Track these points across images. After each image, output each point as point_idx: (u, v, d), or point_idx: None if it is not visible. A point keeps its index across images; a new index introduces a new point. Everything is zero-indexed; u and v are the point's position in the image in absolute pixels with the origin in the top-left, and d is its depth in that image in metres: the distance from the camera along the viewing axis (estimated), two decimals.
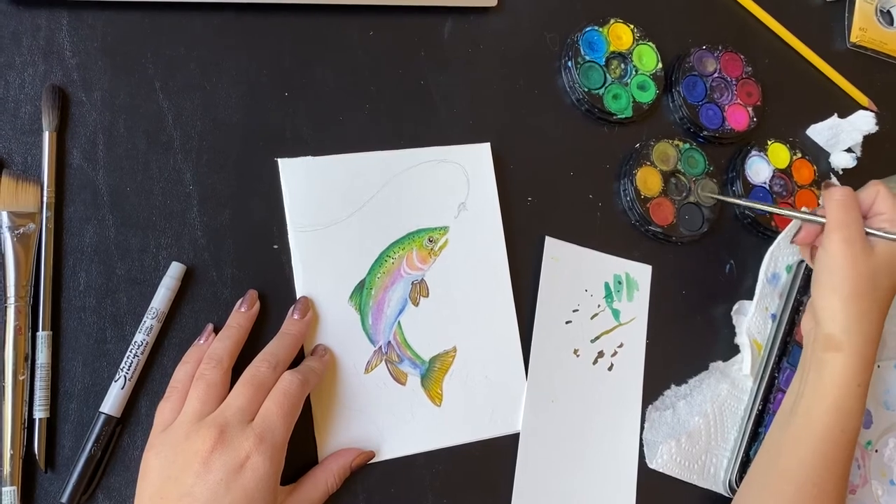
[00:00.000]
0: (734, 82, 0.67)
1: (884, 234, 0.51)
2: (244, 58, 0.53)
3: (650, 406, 0.59)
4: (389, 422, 0.51)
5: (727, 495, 0.59)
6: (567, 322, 0.58)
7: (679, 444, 0.58)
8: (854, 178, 0.69)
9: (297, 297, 0.50)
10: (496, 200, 0.57)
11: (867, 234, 0.52)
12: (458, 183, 0.56)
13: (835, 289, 0.51)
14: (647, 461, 0.58)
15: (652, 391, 0.59)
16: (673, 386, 0.60)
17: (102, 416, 0.45)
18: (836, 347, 0.50)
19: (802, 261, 0.64)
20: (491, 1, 0.60)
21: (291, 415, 0.45)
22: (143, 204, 0.49)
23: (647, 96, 0.63)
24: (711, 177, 0.64)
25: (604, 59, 0.63)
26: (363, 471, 0.50)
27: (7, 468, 0.43)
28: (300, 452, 0.48)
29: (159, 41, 0.51)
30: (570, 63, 0.61)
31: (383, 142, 0.55)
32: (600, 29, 0.63)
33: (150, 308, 0.47)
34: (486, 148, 0.57)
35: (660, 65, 0.64)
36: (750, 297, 0.63)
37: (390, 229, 0.54)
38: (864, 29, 0.74)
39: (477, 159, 0.57)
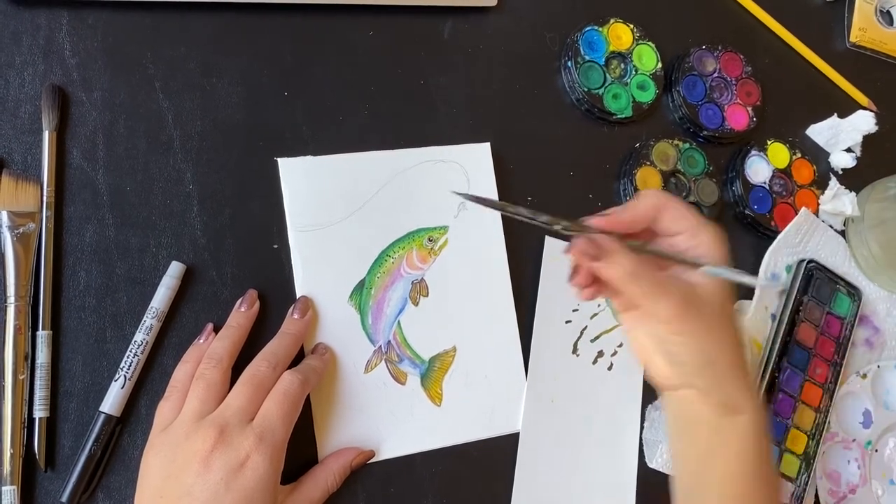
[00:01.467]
0: (734, 82, 0.67)
1: (715, 270, 0.42)
2: (244, 58, 0.53)
3: (650, 405, 0.59)
4: (389, 421, 0.51)
5: None
6: (567, 322, 0.58)
7: None
8: (854, 178, 0.70)
9: (297, 297, 0.50)
10: (496, 199, 0.57)
11: (685, 262, 0.42)
12: (457, 182, 0.56)
13: (701, 364, 0.43)
14: (646, 460, 0.58)
15: (652, 390, 0.59)
16: None
17: (102, 416, 0.45)
18: (736, 410, 0.43)
19: (802, 260, 0.64)
20: (491, 1, 0.60)
21: (291, 414, 0.45)
22: (142, 203, 0.49)
23: (647, 96, 0.63)
24: (711, 176, 0.64)
25: (603, 59, 0.63)
26: (363, 470, 0.50)
27: (7, 467, 0.43)
28: (300, 452, 0.48)
29: (159, 41, 0.51)
30: (569, 63, 0.61)
31: (383, 141, 0.55)
32: (600, 29, 0.63)
33: (149, 307, 0.47)
34: (485, 148, 0.57)
35: (659, 64, 0.64)
36: (750, 296, 0.63)
37: (390, 229, 0.54)
38: (864, 29, 0.74)
39: (477, 159, 0.57)
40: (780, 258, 0.64)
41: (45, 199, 0.46)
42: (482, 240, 0.56)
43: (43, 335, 0.45)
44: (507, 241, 0.57)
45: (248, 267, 0.50)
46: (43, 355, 0.45)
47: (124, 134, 0.49)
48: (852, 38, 0.74)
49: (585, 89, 0.61)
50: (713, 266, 0.42)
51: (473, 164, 0.57)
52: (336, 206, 0.53)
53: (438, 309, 0.54)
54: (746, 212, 0.65)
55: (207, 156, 0.51)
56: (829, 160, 0.71)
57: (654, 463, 0.57)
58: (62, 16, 0.49)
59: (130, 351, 0.46)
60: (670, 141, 0.64)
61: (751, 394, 0.44)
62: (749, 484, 0.44)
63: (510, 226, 0.57)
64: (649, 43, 0.65)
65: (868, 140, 0.71)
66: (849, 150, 0.71)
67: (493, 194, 0.57)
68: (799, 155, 0.68)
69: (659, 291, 0.40)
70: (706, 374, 0.43)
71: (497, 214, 0.57)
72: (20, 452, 0.43)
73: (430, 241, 0.55)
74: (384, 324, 0.53)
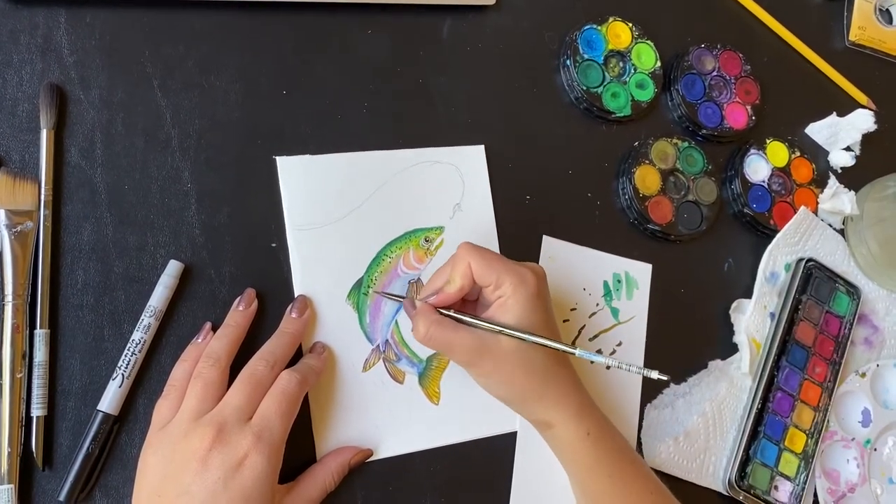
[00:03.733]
0: (733, 81, 0.67)
1: (511, 333, 0.47)
2: (243, 56, 0.53)
3: (649, 404, 0.59)
4: (387, 420, 0.51)
5: (726, 493, 0.59)
6: (564, 321, 0.58)
7: (678, 442, 0.58)
8: (853, 177, 0.69)
9: (295, 296, 0.50)
10: (490, 201, 0.57)
11: (489, 329, 0.47)
12: (453, 184, 0.56)
13: (505, 397, 0.50)
14: (645, 459, 0.58)
15: (651, 390, 0.59)
16: (671, 384, 0.60)
17: (100, 415, 0.45)
18: (547, 425, 0.50)
19: (801, 259, 0.64)
20: (489, 0, 0.60)
21: (289, 413, 0.44)
22: (141, 202, 0.49)
23: (646, 95, 0.63)
24: (710, 175, 0.64)
25: (602, 58, 0.63)
26: (361, 469, 0.50)
27: (4, 466, 0.43)
28: (298, 451, 0.48)
29: (157, 39, 0.51)
30: (568, 61, 0.61)
31: (382, 140, 0.55)
32: (599, 27, 0.63)
33: (147, 306, 0.47)
34: (480, 150, 0.57)
35: (658, 63, 0.64)
36: (749, 295, 0.63)
37: (387, 228, 0.54)
38: (863, 27, 0.74)
39: (471, 161, 0.57)
40: (778, 257, 0.64)
41: (42, 197, 0.46)
42: (478, 240, 0.55)
43: (40, 334, 0.45)
44: (502, 241, 0.57)
45: (247, 266, 0.50)
46: (41, 354, 0.45)
47: (122, 132, 0.49)
48: (851, 37, 0.74)
49: (584, 88, 0.61)
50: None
51: (468, 165, 0.57)
52: (334, 206, 0.53)
53: None
54: (745, 210, 0.65)
55: (206, 154, 0.51)
56: (828, 159, 0.71)
57: (652, 462, 0.57)
58: (60, 14, 0.49)
59: (128, 349, 0.46)
60: (669, 140, 0.64)
61: (556, 408, 0.49)
62: (594, 477, 0.50)
63: (505, 226, 0.57)
64: (648, 41, 0.64)
65: (867, 139, 0.71)
66: (848, 148, 0.70)
67: (487, 195, 0.57)
68: (798, 154, 0.68)
69: (447, 348, 0.48)
70: (513, 402, 0.50)
71: (491, 215, 0.57)
72: (18, 451, 0.43)
73: (427, 241, 0.55)
74: (382, 323, 0.53)
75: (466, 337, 0.47)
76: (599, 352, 0.58)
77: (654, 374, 0.45)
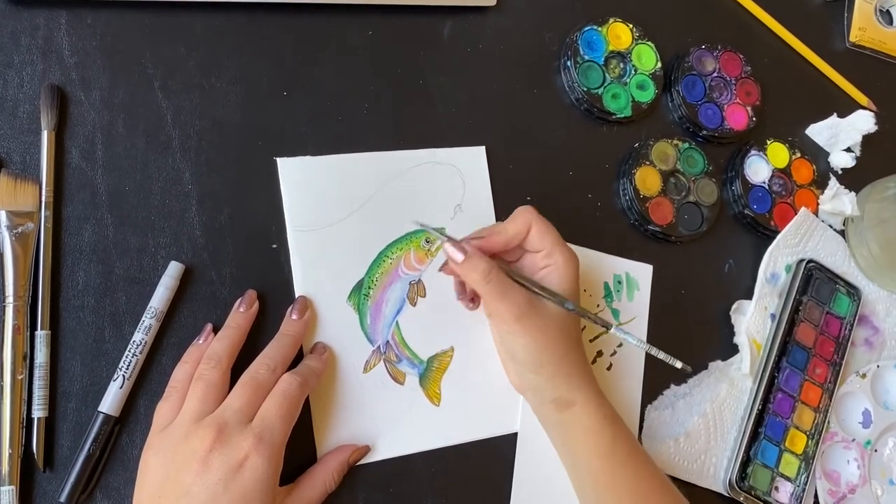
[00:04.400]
0: (733, 82, 0.67)
1: (561, 303, 0.48)
2: (243, 57, 0.53)
3: (649, 406, 0.59)
4: (388, 421, 0.51)
5: (727, 494, 0.59)
6: None
7: (678, 443, 0.58)
8: (853, 178, 0.69)
9: (296, 297, 0.50)
10: (491, 202, 0.57)
11: (535, 292, 0.48)
12: (453, 185, 0.56)
13: (536, 363, 0.49)
14: None
15: (651, 391, 0.59)
16: (672, 385, 0.60)
17: (101, 416, 0.45)
18: (569, 404, 0.49)
19: (802, 260, 0.64)
20: (490, 1, 0.60)
21: (290, 416, 0.45)
22: (141, 203, 0.49)
23: (647, 96, 0.63)
24: (711, 176, 0.64)
25: (603, 59, 0.63)
26: (362, 470, 0.50)
27: (5, 467, 0.43)
28: (299, 452, 0.48)
29: (158, 40, 0.51)
30: (569, 62, 0.61)
31: (382, 141, 0.55)
32: (599, 28, 0.63)
33: (148, 307, 0.47)
34: (480, 151, 0.57)
35: (659, 64, 0.64)
36: (749, 296, 0.63)
37: (388, 230, 0.54)
38: (864, 28, 0.74)
39: (472, 162, 0.57)
40: (779, 258, 0.64)
41: (43, 198, 0.46)
42: None
43: (41, 335, 0.45)
44: None
45: (247, 267, 0.50)
46: (41, 355, 0.45)
47: (123, 133, 0.49)
48: (852, 38, 0.74)
49: (585, 89, 0.61)
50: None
51: (469, 166, 0.57)
52: (335, 207, 0.53)
53: (436, 309, 0.54)
54: (746, 211, 0.65)
55: (206, 155, 0.51)
56: (829, 160, 0.71)
57: None
58: (61, 15, 0.49)
59: (129, 351, 0.46)
60: (670, 141, 0.64)
61: (579, 386, 0.49)
62: (608, 465, 0.49)
63: None
64: (648, 42, 0.65)
65: (868, 140, 0.71)
66: (848, 149, 0.70)
67: (487, 196, 0.57)
68: (798, 155, 0.68)
69: (504, 293, 0.47)
70: (540, 371, 0.49)
71: (492, 216, 0.57)
72: (18, 452, 0.43)
73: (428, 242, 0.55)
74: (383, 324, 0.53)
75: (520, 290, 0.47)
76: (599, 354, 0.58)
77: (679, 364, 0.47)
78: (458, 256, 0.48)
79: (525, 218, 0.50)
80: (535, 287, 0.49)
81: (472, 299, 0.53)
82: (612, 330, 0.48)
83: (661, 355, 0.46)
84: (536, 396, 0.51)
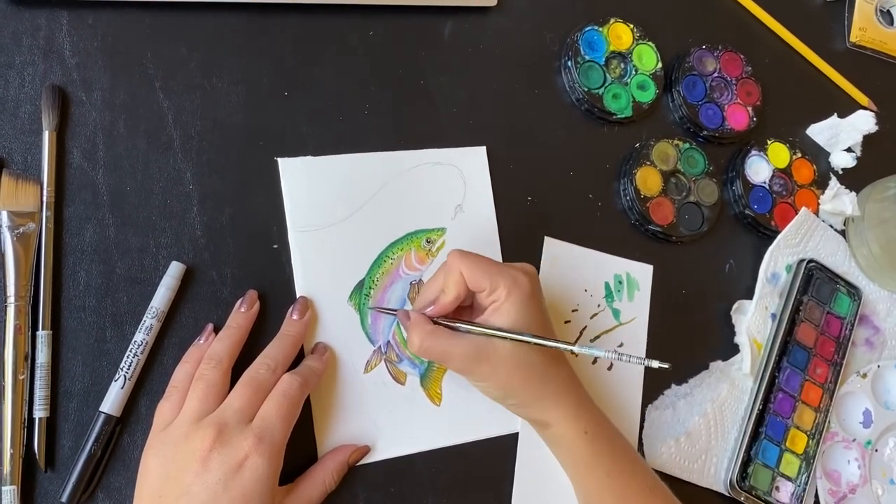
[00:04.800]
0: (734, 82, 0.67)
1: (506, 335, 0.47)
2: (244, 58, 0.53)
3: (650, 405, 0.59)
4: (389, 421, 0.51)
5: (728, 494, 0.59)
6: (566, 322, 0.58)
7: (679, 443, 0.58)
8: (854, 178, 0.69)
9: (297, 297, 0.50)
10: (491, 202, 0.57)
11: (486, 334, 0.47)
12: (454, 185, 0.56)
13: (501, 398, 0.49)
14: (646, 460, 0.58)
15: (652, 390, 0.59)
16: (673, 385, 0.60)
17: (102, 416, 0.45)
18: (545, 425, 0.50)
19: (802, 260, 0.64)
20: (491, 1, 0.60)
21: (290, 416, 0.45)
22: (142, 203, 0.49)
23: (647, 96, 0.63)
24: (711, 176, 0.64)
25: (603, 59, 0.63)
26: (363, 470, 0.50)
27: (7, 467, 0.43)
28: (300, 452, 0.48)
29: (159, 41, 0.51)
30: (569, 63, 0.61)
31: (383, 141, 0.55)
32: (600, 28, 0.63)
33: (149, 307, 0.47)
34: (481, 151, 0.57)
35: (659, 64, 0.64)
36: (750, 296, 0.63)
37: (389, 230, 0.54)
38: (864, 29, 0.74)
39: (473, 162, 0.57)
40: (780, 258, 0.64)
41: (45, 199, 0.46)
42: (479, 241, 0.56)
43: (43, 335, 0.45)
44: (504, 242, 0.57)
45: (248, 267, 0.50)
46: (43, 355, 0.45)
47: (124, 134, 0.49)
48: (852, 38, 0.74)
49: (585, 89, 0.61)
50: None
51: (470, 166, 0.57)
52: (336, 207, 0.53)
53: None
54: (746, 212, 0.65)
55: (207, 156, 0.51)
56: (830, 160, 0.71)
57: (653, 463, 0.57)
58: (62, 16, 0.49)
59: (130, 351, 0.46)
60: (670, 141, 0.64)
61: (555, 408, 0.49)
62: (592, 477, 0.50)
63: (507, 227, 0.57)
64: (649, 43, 0.65)
65: (868, 140, 0.71)
66: (849, 149, 0.70)
67: (488, 196, 0.57)
68: (799, 155, 0.68)
69: (443, 358, 0.48)
70: (512, 404, 0.50)
71: (492, 216, 0.57)
72: (20, 452, 0.43)
73: (429, 242, 0.55)
74: (383, 324, 0.53)
75: (462, 344, 0.47)
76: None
77: (655, 364, 0.44)
78: (406, 323, 0.49)
79: (454, 266, 0.48)
80: (482, 332, 0.48)
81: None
82: (576, 348, 0.46)
83: (634, 360, 0.45)
84: (519, 417, 0.53)
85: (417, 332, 0.48)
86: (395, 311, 0.52)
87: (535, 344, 0.47)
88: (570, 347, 0.46)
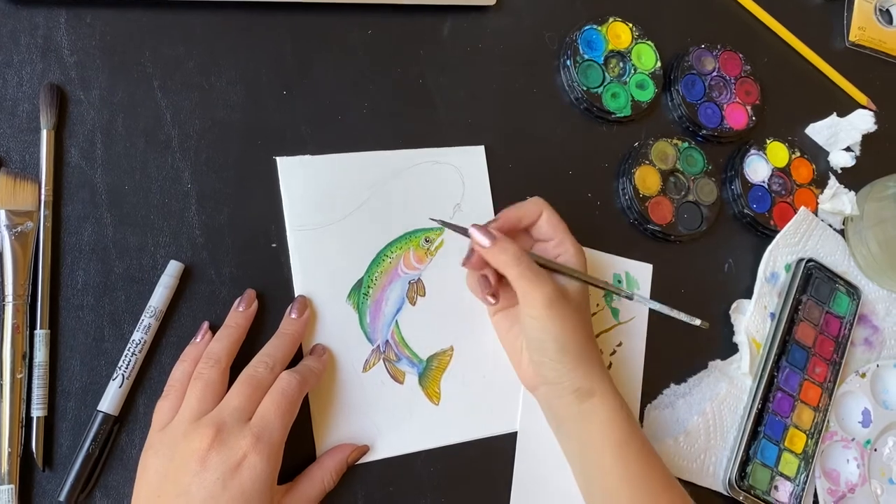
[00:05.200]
0: (733, 81, 0.67)
1: (581, 277, 0.50)
2: (243, 56, 0.53)
3: (649, 405, 0.59)
4: (387, 420, 0.51)
5: (727, 494, 0.59)
6: None
7: (678, 442, 0.58)
8: (853, 177, 0.69)
9: (295, 296, 0.50)
10: (490, 201, 0.57)
11: (566, 273, 0.49)
12: (453, 184, 0.56)
13: (561, 351, 0.48)
14: None
15: (651, 390, 0.59)
16: (672, 385, 0.60)
17: (100, 415, 0.45)
18: (590, 394, 0.48)
19: (801, 259, 0.64)
20: (490, 0, 0.60)
21: (289, 414, 0.45)
22: (141, 202, 0.49)
23: (646, 95, 0.63)
24: (710, 176, 0.64)
25: (602, 58, 0.63)
26: (361, 469, 0.50)
27: (5, 467, 0.43)
28: (299, 451, 0.48)
29: (158, 40, 0.51)
30: (568, 62, 0.61)
31: (382, 140, 0.55)
32: (599, 28, 0.63)
33: (148, 306, 0.47)
34: (480, 150, 0.57)
35: (658, 63, 0.64)
36: (749, 295, 0.63)
37: (387, 229, 0.54)
38: (863, 28, 0.74)
39: (471, 161, 0.57)
40: (779, 257, 0.64)
41: (43, 197, 0.46)
42: None
43: (41, 334, 0.45)
44: None
45: (247, 266, 0.50)
46: (41, 354, 0.45)
47: (122, 133, 0.49)
48: (851, 37, 0.74)
49: (584, 88, 0.61)
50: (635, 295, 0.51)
51: (468, 166, 0.57)
52: (334, 206, 0.53)
53: (435, 309, 0.54)
54: (745, 211, 0.65)
55: (206, 154, 0.51)
56: (829, 159, 0.71)
57: None
58: (60, 14, 0.49)
59: (128, 350, 0.46)
60: (669, 140, 0.64)
61: (599, 377, 0.49)
62: (621, 458, 0.48)
63: None
64: (648, 42, 0.65)
65: (867, 139, 0.71)
66: (848, 149, 0.70)
67: (486, 195, 0.57)
68: (798, 154, 0.68)
69: (536, 277, 0.47)
70: (564, 360, 0.48)
71: (491, 215, 0.57)
72: (18, 451, 0.43)
73: (427, 241, 0.55)
74: (382, 323, 0.53)
75: (549, 276, 0.48)
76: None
77: (697, 322, 0.49)
78: (486, 241, 0.48)
79: (537, 204, 0.51)
80: (566, 269, 0.49)
81: (494, 294, 0.51)
82: (635, 298, 0.50)
83: (683, 317, 0.48)
84: (553, 389, 0.49)
85: (511, 242, 0.48)
86: (464, 228, 0.49)
87: (611, 291, 0.51)
88: (629, 294, 0.51)
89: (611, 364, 0.58)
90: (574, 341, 0.48)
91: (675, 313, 0.48)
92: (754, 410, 0.60)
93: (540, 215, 0.51)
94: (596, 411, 0.49)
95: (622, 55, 0.64)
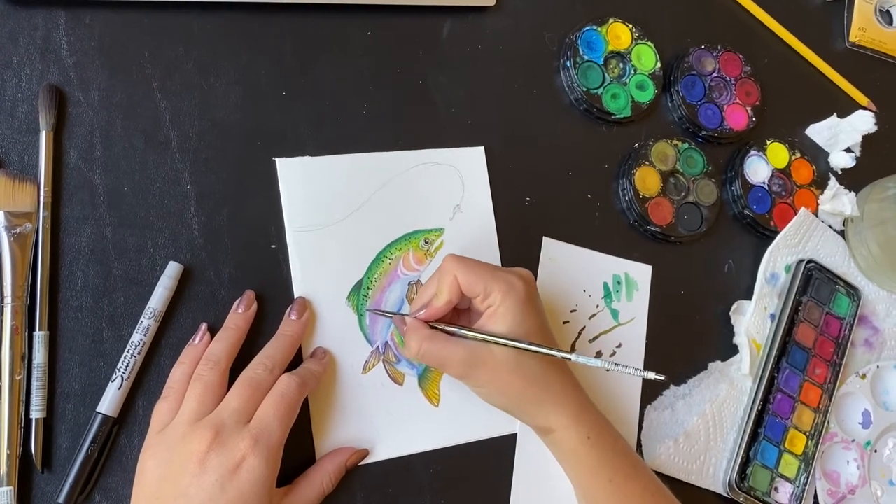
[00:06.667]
0: (733, 82, 0.67)
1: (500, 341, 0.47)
2: (242, 57, 0.53)
3: (649, 406, 0.59)
4: (387, 422, 0.51)
5: (727, 495, 0.59)
6: (564, 322, 0.58)
7: (678, 444, 0.58)
8: (853, 178, 0.69)
9: (295, 298, 0.50)
10: (490, 202, 0.57)
11: (482, 340, 0.47)
12: (453, 185, 0.56)
13: (500, 404, 0.49)
14: (645, 460, 0.58)
15: (650, 391, 0.59)
16: (672, 386, 0.60)
17: (99, 417, 0.45)
18: (547, 431, 0.49)
19: (802, 260, 0.64)
20: (489, 0, 0.60)
21: (288, 417, 0.44)
22: (140, 204, 0.49)
23: (646, 96, 0.63)
24: (710, 176, 0.64)
25: (602, 59, 0.63)
26: (361, 471, 0.50)
27: (3, 468, 0.43)
28: (298, 453, 0.48)
29: (157, 40, 0.51)
30: (568, 63, 0.61)
31: (382, 141, 0.55)
32: (599, 28, 0.63)
33: (147, 308, 0.47)
34: (479, 151, 0.57)
35: (658, 64, 0.64)
36: (749, 296, 0.63)
37: (387, 230, 0.54)
38: (864, 28, 0.74)
39: (471, 162, 0.57)
40: (779, 258, 0.64)
41: (41, 199, 0.46)
42: (477, 242, 0.56)
43: (40, 336, 0.45)
44: (502, 243, 0.57)
45: (246, 267, 0.50)
46: (40, 356, 0.45)
47: (121, 134, 0.49)
48: (852, 38, 0.74)
49: (584, 89, 0.61)
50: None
51: (468, 167, 0.57)
52: (334, 207, 0.53)
53: None
54: (745, 212, 0.65)
55: (205, 156, 0.51)
56: (829, 160, 0.71)
57: (653, 464, 0.57)
58: (59, 15, 0.49)
59: (127, 351, 0.46)
60: (669, 141, 0.63)
61: (556, 413, 0.49)
62: (595, 483, 0.49)
63: (505, 228, 0.57)
64: (648, 43, 0.64)
65: (867, 140, 0.71)
66: (848, 149, 0.70)
67: (486, 196, 0.57)
68: (798, 155, 0.68)
69: (441, 363, 0.48)
70: (512, 410, 0.50)
71: (490, 216, 0.57)
72: (17, 453, 0.43)
73: (427, 242, 0.55)
74: (382, 325, 0.53)
75: (459, 350, 0.47)
76: (598, 354, 0.58)
77: (651, 375, 0.43)
78: (404, 337, 0.49)
79: (448, 270, 0.48)
80: (478, 337, 0.47)
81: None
82: (572, 357, 0.45)
83: (630, 371, 0.44)
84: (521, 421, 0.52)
85: (415, 337, 0.47)
86: (392, 314, 0.52)
87: (531, 351, 0.47)
88: (565, 355, 0.46)
89: (608, 369, 0.58)
90: (508, 394, 0.48)
91: (630, 370, 0.44)
92: (754, 412, 0.60)
93: (455, 279, 0.47)
94: (558, 444, 0.50)
95: (622, 56, 0.64)
